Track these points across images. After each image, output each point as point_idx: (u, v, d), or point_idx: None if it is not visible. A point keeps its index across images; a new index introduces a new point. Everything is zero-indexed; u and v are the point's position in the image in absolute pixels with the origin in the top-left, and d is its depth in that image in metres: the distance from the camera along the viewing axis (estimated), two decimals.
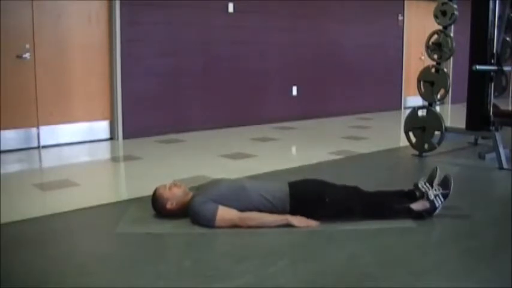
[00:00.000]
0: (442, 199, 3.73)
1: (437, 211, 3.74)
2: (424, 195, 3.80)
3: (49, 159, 6.15)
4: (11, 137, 6.29)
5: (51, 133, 6.60)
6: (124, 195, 4.72)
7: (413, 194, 3.84)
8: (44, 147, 6.47)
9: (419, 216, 3.71)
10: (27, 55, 6.29)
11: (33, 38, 6.32)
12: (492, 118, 5.88)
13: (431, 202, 3.72)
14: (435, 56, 6.08)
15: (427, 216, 3.72)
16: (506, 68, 6.30)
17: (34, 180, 4.93)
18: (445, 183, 3.78)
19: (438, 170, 3.97)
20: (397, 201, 3.79)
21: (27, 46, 6.29)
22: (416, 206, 3.74)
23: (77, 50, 6.76)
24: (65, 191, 4.57)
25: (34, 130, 6.45)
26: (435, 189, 3.76)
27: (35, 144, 6.45)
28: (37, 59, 6.37)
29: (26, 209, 3.96)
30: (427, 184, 3.85)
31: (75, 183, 4.80)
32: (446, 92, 6.14)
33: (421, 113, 6.25)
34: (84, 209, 4.00)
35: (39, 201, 4.28)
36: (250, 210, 3.57)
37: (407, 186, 3.94)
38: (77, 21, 6.73)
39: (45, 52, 6.45)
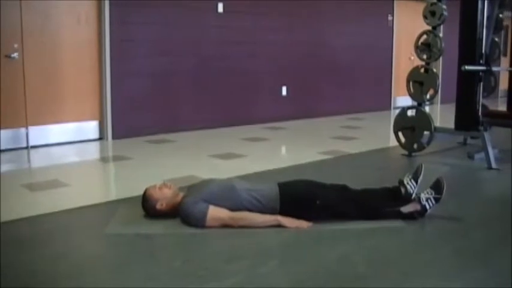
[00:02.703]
0: (434, 202, 3.74)
1: (427, 212, 3.75)
2: (408, 191, 3.81)
3: (38, 159, 6.12)
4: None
5: (40, 133, 6.57)
6: (114, 195, 4.71)
7: (398, 191, 3.85)
8: (33, 147, 6.44)
9: (410, 216, 3.72)
10: (15, 55, 6.25)
11: (22, 38, 6.29)
12: (481, 118, 5.91)
13: (423, 206, 3.74)
14: (424, 56, 6.10)
15: (418, 217, 3.73)
16: (495, 68, 6.34)
17: (23, 180, 4.90)
18: (437, 187, 3.77)
19: (423, 166, 3.98)
20: (388, 205, 3.79)
21: (16, 46, 6.26)
22: (406, 209, 3.75)
23: (66, 49, 6.74)
24: (54, 192, 4.55)
25: (23, 130, 6.41)
26: (427, 193, 3.77)
27: (24, 145, 6.41)
28: (26, 59, 6.34)
29: (14, 210, 3.93)
30: (412, 181, 3.87)
31: (64, 183, 4.78)
32: (436, 92, 6.17)
33: (410, 113, 6.27)
34: (74, 209, 3.99)
35: (28, 202, 4.25)
36: (241, 210, 3.57)
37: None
38: (66, 21, 6.71)
39: (34, 52, 6.42)
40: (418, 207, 3.74)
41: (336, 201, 3.71)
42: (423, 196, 3.75)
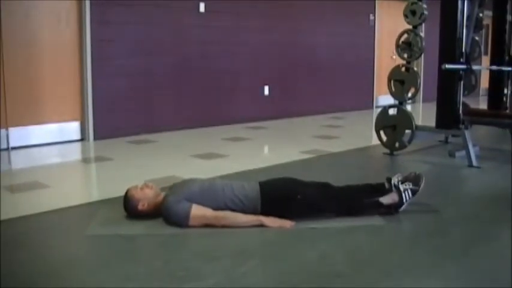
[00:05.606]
0: (411, 194, 3.77)
1: (403, 207, 3.77)
2: (392, 188, 3.83)
3: (19, 160, 6.06)
4: None
5: (21, 134, 6.51)
6: (95, 196, 4.67)
7: (383, 187, 3.87)
8: (14, 148, 6.38)
9: (387, 210, 3.75)
10: None
11: (1, 39, 6.22)
12: (462, 116, 5.94)
13: (400, 196, 3.76)
14: (405, 55, 6.13)
15: (394, 212, 3.76)
16: (475, 67, 6.39)
17: (3, 182, 4.84)
18: (416, 180, 3.82)
19: (424, 178, 3.89)
20: (367, 196, 3.82)
21: None
22: (385, 199, 3.78)
23: (46, 50, 6.68)
24: (35, 193, 4.51)
25: (3, 131, 6.35)
26: (405, 184, 3.80)
27: (4, 146, 6.34)
28: (5, 60, 6.27)
29: None
30: (401, 184, 3.88)
31: (45, 185, 4.74)
32: (417, 90, 6.21)
33: (391, 111, 6.30)
34: (54, 211, 3.96)
35: (9, 204, 4.20)
36: (223, 209, 3.57)
37: None
38: (46, 21, 6.65)
39: (13, 53, 6.36)
40: (395, 197, 3.77)
41: (317, 196, 3.72)
42: (401, 187, 3.78)
